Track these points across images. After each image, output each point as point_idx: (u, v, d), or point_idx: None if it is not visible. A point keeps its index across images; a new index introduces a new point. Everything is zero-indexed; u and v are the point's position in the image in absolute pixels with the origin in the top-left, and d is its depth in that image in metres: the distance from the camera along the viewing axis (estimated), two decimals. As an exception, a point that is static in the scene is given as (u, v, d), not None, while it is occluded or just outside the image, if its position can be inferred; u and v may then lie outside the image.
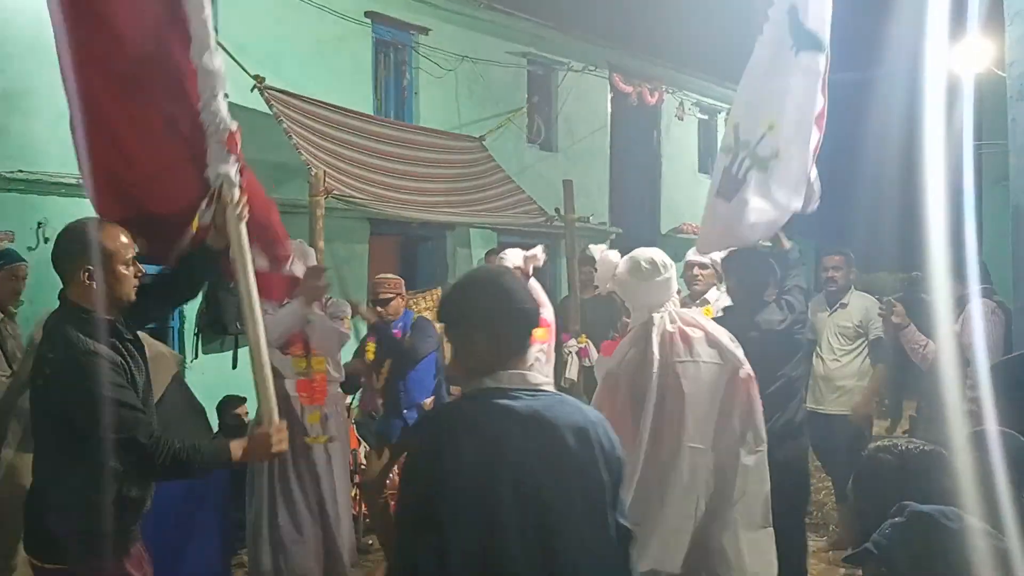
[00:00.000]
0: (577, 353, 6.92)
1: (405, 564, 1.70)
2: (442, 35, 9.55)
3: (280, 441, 2.60)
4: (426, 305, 5.75)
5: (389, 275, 5.31)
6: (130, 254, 2.58)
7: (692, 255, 4.97)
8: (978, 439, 1.85)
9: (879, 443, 1.84)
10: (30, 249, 6.36)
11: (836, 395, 5.54)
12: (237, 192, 2.74)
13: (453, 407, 1.98)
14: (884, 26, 8.62)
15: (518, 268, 4.71)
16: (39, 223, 6.35)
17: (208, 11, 2.68)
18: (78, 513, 2.45)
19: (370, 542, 5.61)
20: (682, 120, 13.52)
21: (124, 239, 2.59)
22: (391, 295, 5.04)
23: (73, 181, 6.44)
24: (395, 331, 5.00)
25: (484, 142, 9.70)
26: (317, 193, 6.20)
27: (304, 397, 4.39)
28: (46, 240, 6.28)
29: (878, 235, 13.24)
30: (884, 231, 12.89)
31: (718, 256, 4.59)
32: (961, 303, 3.92)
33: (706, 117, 14.28)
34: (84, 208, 6.96)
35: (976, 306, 3.62)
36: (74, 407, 2.39)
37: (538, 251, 4.74)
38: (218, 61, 2.73)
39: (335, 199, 6.67)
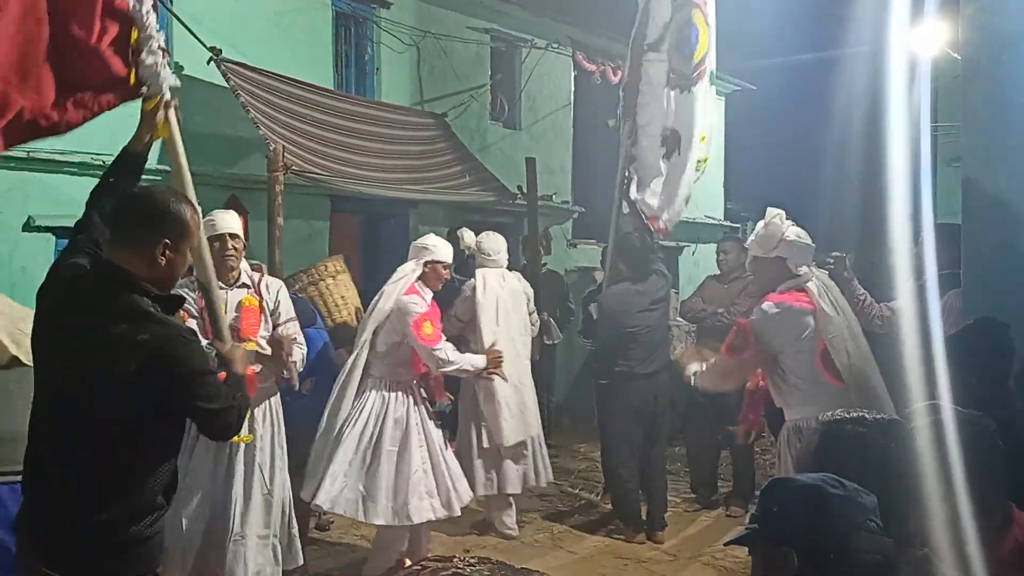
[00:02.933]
0: (539, 331, 6.95)
1: None
2: (404, 9, 9.44)
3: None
4: (309, 280, 5.46)
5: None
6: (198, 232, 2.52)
7: None
8: (931, 411, 1.89)
9: (842, 415, 1.85)
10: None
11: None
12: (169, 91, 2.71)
13: None
14: (845, 5, 8.69)
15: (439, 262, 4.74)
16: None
17: None
18: (150, 510, 2.30)
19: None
20: (644, 99, 13.51)
21: (194, 215, 2.45)
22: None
23: (22, 155, 6.27)
24: None
25: (447, 119, 9.62)
26: (276, 169, 6.11)
27: None
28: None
29: (839, 215, 13.43)
30: (845, 211, 13.08)
31: None
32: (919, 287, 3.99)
33: (667, 96, 14.30)
34: (35, 183, 6.77)
35: (955, 298, 3.66)
36: (181, 390, 2.28)
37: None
38: None
39: (294, 175, 6.57)
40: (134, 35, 2.67)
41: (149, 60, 2.68)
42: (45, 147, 6.32)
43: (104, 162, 6.84)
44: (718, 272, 6.65)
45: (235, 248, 4.07)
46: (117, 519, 2.24)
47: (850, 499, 1.54)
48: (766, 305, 3.72)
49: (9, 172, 6.27)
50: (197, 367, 2.31)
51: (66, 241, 6.93)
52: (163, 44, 2.73)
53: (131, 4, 2.64)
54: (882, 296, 4.56)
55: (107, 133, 6.71)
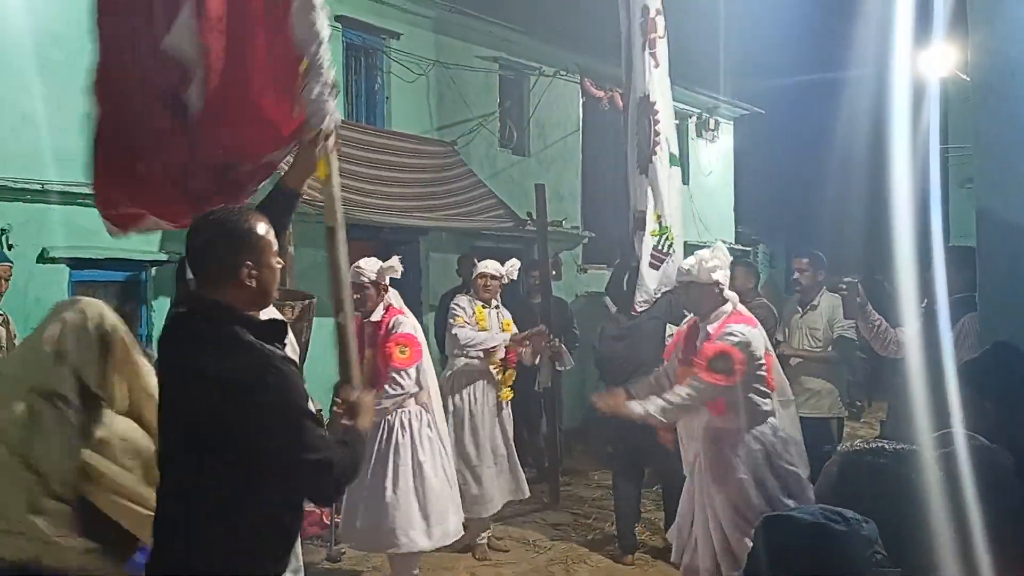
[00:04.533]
0: (550, 358, 6.94)
1: None
2: (414, 40, 9.52)
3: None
4: (294, 315, 5.30)
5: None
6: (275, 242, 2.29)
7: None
8: (944, 441, 1.86)
9: (861, 446, 1.82)
10: (-7, 256, 6.24)
11: (805, 397, 5.58)
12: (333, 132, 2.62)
13: None
14: (852, 28, 8.73)
15: (372, 281, 4.76)
16: (2, 229, 6.22)
17: None
18: (254, 555, 2.13)
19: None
20: (653, 124, 13.57)
21: (268, 226, 2.27)
22: None
23: (38, 187, 6.33)
24: None
25: (456, 146, 9.68)
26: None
27: None
28: (10, 247, 6.16)
29: (847, 236, 13.40)
30: (853, 232, 13.06)
31: None
32: (928, 309, 3.96)
33: (677, 121, 14.30)
34: (49, 214, 6.85)
35: (972, 322, 3.64)
36: (276, 425, 2.06)
37: (394, 262, 4.84)
38: None
39: (305, 204, 6.59)
40: (303, 65, 2.59)
41: (316, 91, 2.58)
42: (60, 179, 6.39)
43: (118, 193, 6.94)
44: None
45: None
46: (225, 562, 2.09)
47: (854, 533, 1.51)
48: (742, 328, 4.00)
49: (25, 204, 6.34)
50: (295, 405, 2.10)
51: (81, 272, 6.96)
52: (333, 76, 2.64)
53: (306, 29, 2.56)
54: (894, 320, 4.53)
55: (121, 165, 6.82)
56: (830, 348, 5.59)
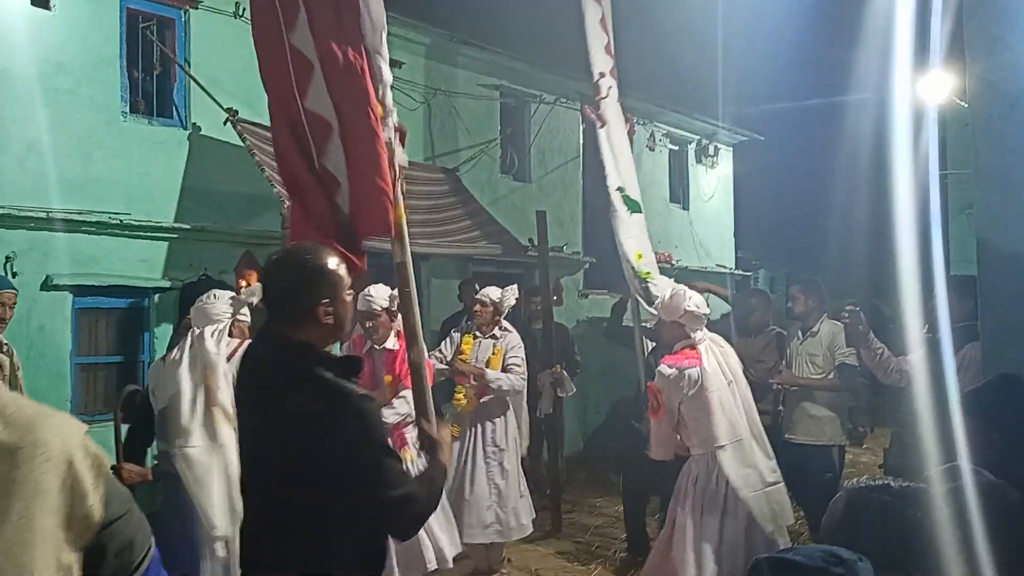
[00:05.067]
0: (551, 384, 6.93)
1: None
2: (415, 69, 9.60)
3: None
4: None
5: None
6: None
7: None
8: (951, 476, 1.86)
9: (867, 483, 1.81)
10: (-3, 284, 6.25)
11: (807, 424, 5.55)
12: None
13: None
14: (851, 54, 8.80)
15: (384, 308, 4.78)
16: (7, 257, 6.24)
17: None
18: None
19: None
20: (653, 151, 13.66)
21: (339, 260, 2.30)
22: None
23: (43, 215, 6.36)
24: None
25: (458, 173, 9.72)
26: (289, 225, 6.16)
27: None
28: (14, 275, 6.17)
29: (848, 261, 13.42)
30: (854, 257, 13.09)
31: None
32: (930, 337, 3.97)
33: (676, 148, 14.44)
34: (53, 242, 6.88)
35: (974, 351, 3.64)
36: (361, 463, 2.07)
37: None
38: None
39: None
40: (378, 111, 2.76)
41: (385, 136, 2.75)
42: (63, 207, 6.42)
43: (121, 220, 6.97)
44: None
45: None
46: None
47: (851, 575, 1.49)
48: (663, 367, 4.29)
49: (28, 232, 6.36)
50: (377, 442, 2.13)
51: (84, 299, 6.96)
52: (397, 121, 2.81)
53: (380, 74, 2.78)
54: (895, 347, 4.53)
55: (123, 192, 6.87)
56: (831, 375, 5.57)
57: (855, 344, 4.89)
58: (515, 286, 6.19)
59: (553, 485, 7.38)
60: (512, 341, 5.85)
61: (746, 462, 4.19)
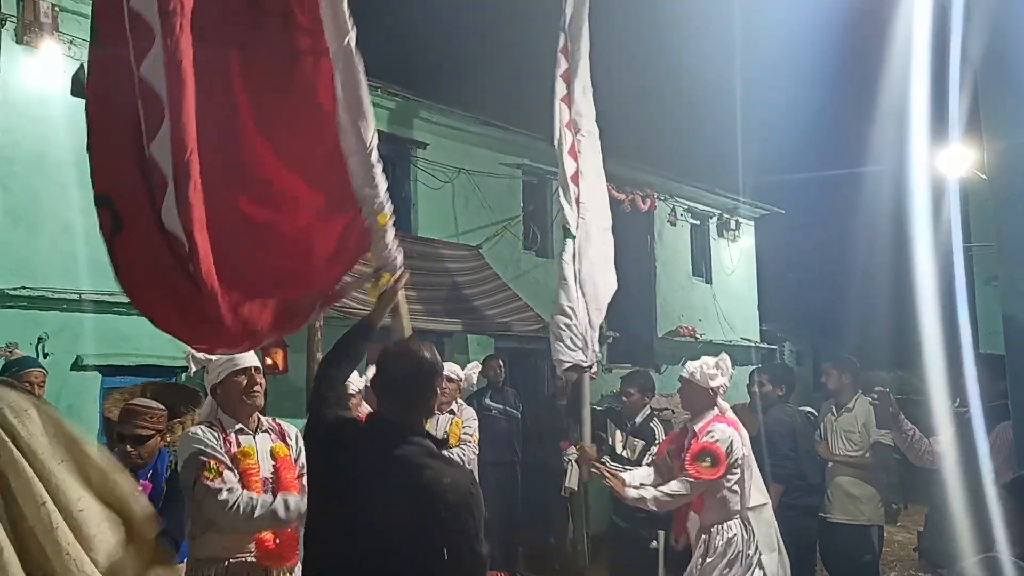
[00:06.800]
0: (576, 460, 6.84)
1: None
2: (439, 149, 9.82)
3: None
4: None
5: (149, 403, 3.93)
6: None
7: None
8: (989, 566, 1.80)
9: None
10: (29, 364, 6.35)
11: (844, 503, 5.42)
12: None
13: None
14: (872, 127, 8.89)
15: (359, 391, 4.75)
16: (40, 338, 6.36)
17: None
18: None
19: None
20: (674, 225, 13.75)
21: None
22: (149, 431, 3.81)
23: (75, 297, 6.49)
24: (143, 481, 3.75)
25: (481, 250, 9.83)
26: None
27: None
28: (46, 355, 6.27)
29: (873, 332, 13.28)
30: (879, 328, 12.95)
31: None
32: (960, 416, 3.90)
33: (698, 222, 14.53)
34: (86, 323, 6.96)
35: (1006, 431, 3.57)
36: (474, 525, 2.45)
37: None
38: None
39: (334, 309, 6.69)
40: (381, 220, 2.87)
41: (388, 239, 2.91)
42: (94, 287, 6.55)
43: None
44: (748, 401, 6.43)
45: (261, 384, 3.44)
46: None
47: None
48: (723, 427, 4.34)
49: (60, 313, 6.49)
50: (482, 510, 2.48)
51: (112, 378, 7.01)
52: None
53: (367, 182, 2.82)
54: (925, 423, 4.45)
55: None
56: (867, 453, 5.45)
57: (886, 427, 4.83)
58: (476, 362, 6.31)
59: (578, 564, 7.22)
60: (468, 414, 6.03)
61: (771, 524, 4.38)
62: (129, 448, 3.73)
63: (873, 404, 4.70)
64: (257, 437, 3.41)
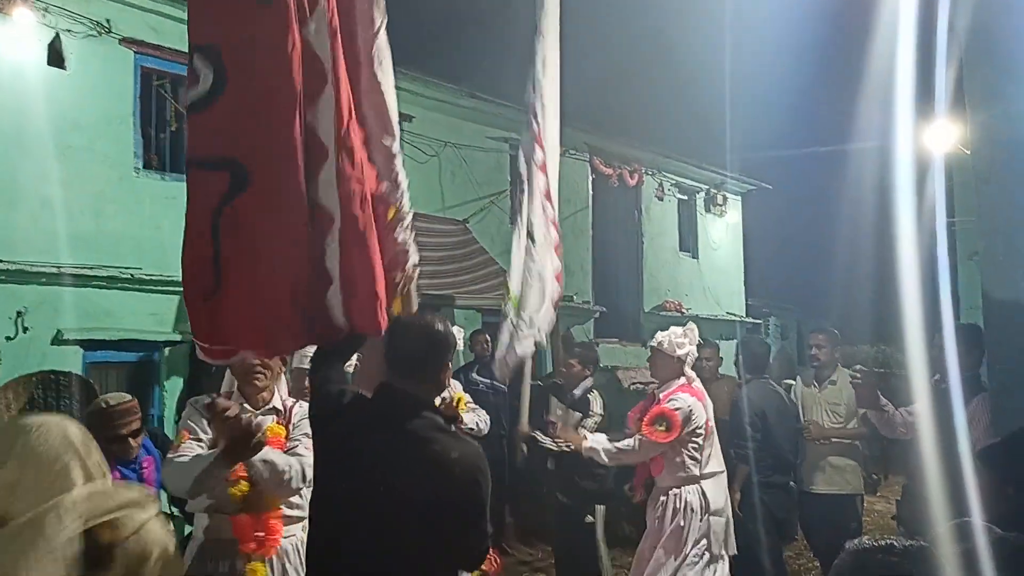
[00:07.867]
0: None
1: None
2: (426, 122, 9.75)
3: None
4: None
5: (122, 398, 3.88)
6: None
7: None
8: (961, 532, 1.81)
9: (869, 543, 1.76)
10: (8, 339, 6.30)
11: (825, 474, 5.47)
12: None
13: None
14: (858, 103, 8.88)
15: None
16: (18, 312, 6.30)
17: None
18: None
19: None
20: (662, 200, 13.75)
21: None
22: (135, 425, 3.82)
23: (54, 271, 6.43)
24: (146, 457, 3.88)
25: (468, 224, 9.80)
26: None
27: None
28: (25, 330, 6.23)
29: (857, 308, 13.38)
30: (863, 303, 13.05)
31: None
32: (939, 387, 3.92)
33: (685, 197, 14.54)
34: (66, 297, 6.89)
35: (983, 403, 3.60)
36: (482, 501, 2.43)
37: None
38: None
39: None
40: (391, 213, 2.70)
41: (401, 238, 2.76)
42: (74, 262, 6.49)
43: (132, 275, 7.03)
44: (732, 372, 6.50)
45: (264, 372, 3.39)
46: None
47: None
48: (685, 397, 4.56)
49: (40, 287, 6.43)
50: (489, 486, 2.45)
51: (94, 353, 6.95)
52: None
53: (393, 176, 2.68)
54: (903, 395, 4.49)
55: (135, 246, 6.94)
56: (853, 423, 5.48)
57: (866, 406, 4.86)
58: (459, 327, 6.23)
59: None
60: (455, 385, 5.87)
61: (725, 491, 4.69)
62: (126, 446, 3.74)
63: (854, 383, 4.74)
64: (258, 417, 3.28)
